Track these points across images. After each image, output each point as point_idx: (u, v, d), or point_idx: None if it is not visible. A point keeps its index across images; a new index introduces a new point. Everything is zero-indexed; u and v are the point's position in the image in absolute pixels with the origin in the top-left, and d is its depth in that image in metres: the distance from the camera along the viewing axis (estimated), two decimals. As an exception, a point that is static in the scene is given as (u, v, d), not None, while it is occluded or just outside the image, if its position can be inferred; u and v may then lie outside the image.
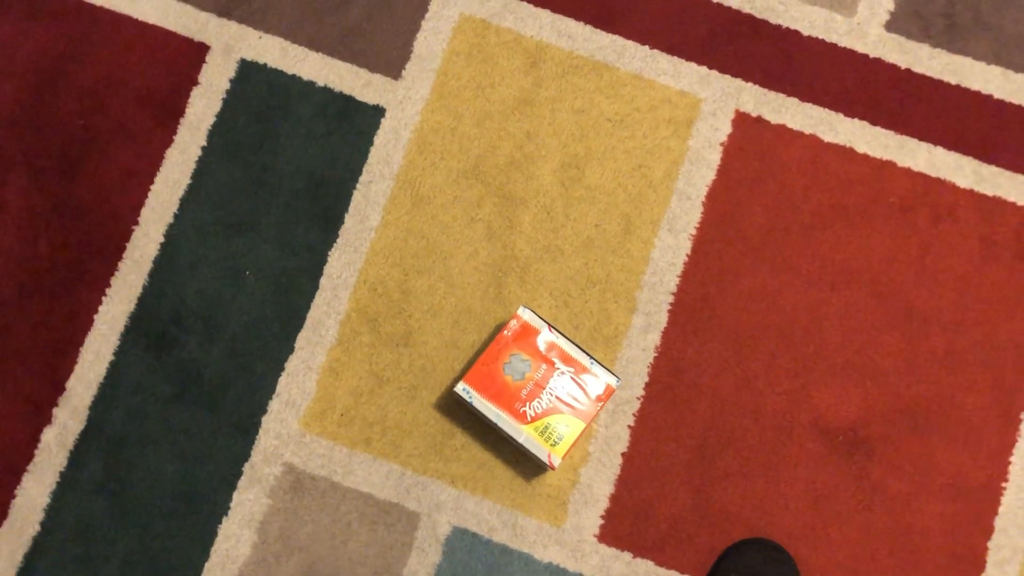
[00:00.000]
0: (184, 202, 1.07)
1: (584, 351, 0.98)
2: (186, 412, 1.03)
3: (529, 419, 0.96)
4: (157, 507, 1.01)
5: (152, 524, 1.01)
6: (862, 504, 1.02)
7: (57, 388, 1.03)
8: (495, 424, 0.96)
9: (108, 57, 1.10)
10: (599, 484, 1.02)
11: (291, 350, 1.04)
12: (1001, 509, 1.01)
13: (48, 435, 1.03)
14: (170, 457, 1.02)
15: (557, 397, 0.96)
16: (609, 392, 0.97)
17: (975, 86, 1.11)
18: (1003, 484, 1.02)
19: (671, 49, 1.11)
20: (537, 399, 0.96)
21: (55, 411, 1.03)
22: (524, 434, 0.96)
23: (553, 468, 0.96)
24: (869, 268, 1.07)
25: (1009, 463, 1.02)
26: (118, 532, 1.01)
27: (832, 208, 1.08)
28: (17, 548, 1.00)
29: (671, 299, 1.06)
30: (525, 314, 0.98)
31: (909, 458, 1.03)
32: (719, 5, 1.12)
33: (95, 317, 1.05)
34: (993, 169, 1.09)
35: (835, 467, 1.02)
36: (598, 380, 0.97)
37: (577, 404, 0.96)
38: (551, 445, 0.95)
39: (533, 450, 0.95)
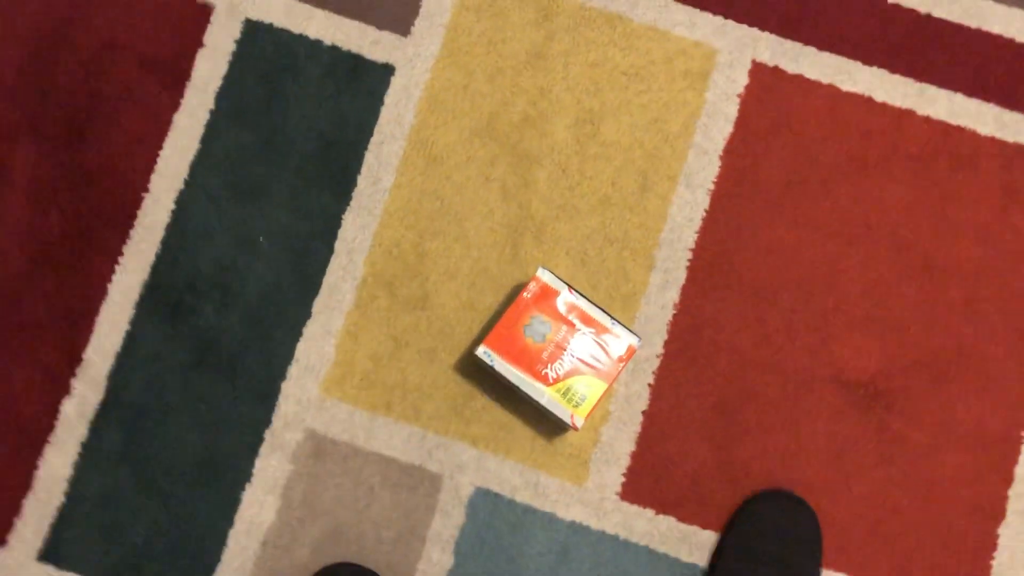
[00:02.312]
0: (194, 168, 1.06)
1: (604, 311, 0.98)
2: (205, 380, 1.03)
3: (551, 381, 0.96)
4: (180, 475, 1.02)
5: (176, 492, 1.01)
6: (882, 456, 1.02)
7: (74, 359, 1.03)
8: (517, 387, 0.96)
9: (110, 20, 1.08)
10: (620, 443, 1.02)
11: (308, 315, 1.04)
12: (1021, 458, 1.02)
13: (67, 406, 1.02)
14: (191, 426, 1.02)
15: (579, 358, 0.96)
16: (631, 352, 0.97)
17: (996, 29, 1.08)
18: (1023, 433, 1.02)
19: (685, -1, 1.08)
20: (559, 361, 0.96)
21: (73, 382, 1.03)
22: (547, 396, 0.96)
23: (576, 429, 0.96)
24: (888, 220, 1.06)
25: (1029, 412, 1.03)
26: (142, 501, 1.01)
27: (850, 160, 1.06)
28: (43, 519, 1.01)
29: (689, 256, 1.05)
30: (544, 275, 0.98)
31: (929, 409, 1.03)
32: (734, -48, 1.09)
33: (109, 287, 1.04)
34: (1015, 115, 1.07)
35: (855, 420, 1.03)
36: (620, 340, 0.97)
37: (599, 365, 0.96)
38: (574, 406, 0.95)
39: (556, 412, 0.95)
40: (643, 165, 1.06)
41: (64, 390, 1.03)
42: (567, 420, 0.95)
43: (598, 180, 1.06)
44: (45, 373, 1.03)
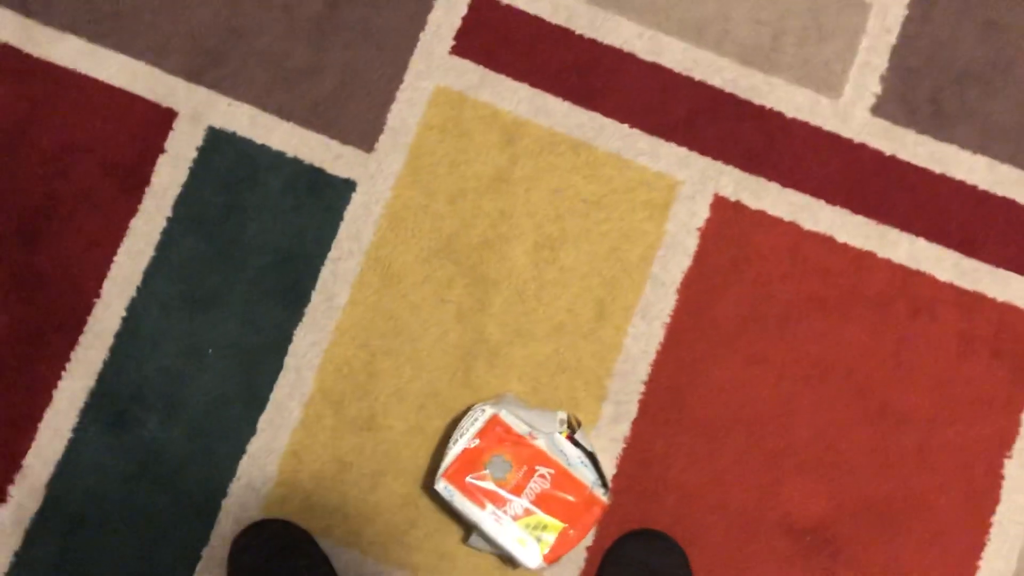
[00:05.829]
0: (147, 275, 1.05)
1: (587, 458, 0.97)
2: (145, 493, 1.01)
3: (512, 519, 0.94)
4: (113, 589, 1.00)
5: (108, 606, 0.99)
6: (826, 605, 1.01)
7: (14, 465, 1.01)
8: (475, 523, 0.95)
9: (72, 121, 1.07)
10: (562, 578, 1.01)
11: (253, 432, 1.02)
12: (966, 614, 1.01)
13: (3, 513, 1.01)
14: (128, 539, 1.01)
15: (536, 501, 0.95)
16: (601, 511, 0.96)
17: (959, 175, 1.08)
18: (969, 588, 1.01)
19: (651, 129, 1.08)
20: (518, 500, 0.95)
21: (11, 489, 1.01)
22: (505, 534, 0.94)
23: (531, 569, 0.95)
24: (844, 362, 1.05)
25: (977, 567, 1.01)
26: (73, 613, 0.99)
27: (809, 299, 1.06)
28: (-31, 630, 0.99)
29: (642, 389, 1.04)
30: (508, 418, 0.96)
31: (875, 559, 1.02)
32: (702, 83, 1.09)
33: (54, 392, 1.03)
34: (974, 263, 1.07)
35: (800, 567, 1.01)
36: (582, 489, 0.96)
37: (558, 508, 0.95)
38: (531, 547, 0.94)
39: (514, 551, 0.94)
40: (600, 294, 1.06)
41: (1, 497, 1.01)
42: (527, 560, 0.94)
43: (554, 306, 1.05)
44: (-18, 478, 1.01)
